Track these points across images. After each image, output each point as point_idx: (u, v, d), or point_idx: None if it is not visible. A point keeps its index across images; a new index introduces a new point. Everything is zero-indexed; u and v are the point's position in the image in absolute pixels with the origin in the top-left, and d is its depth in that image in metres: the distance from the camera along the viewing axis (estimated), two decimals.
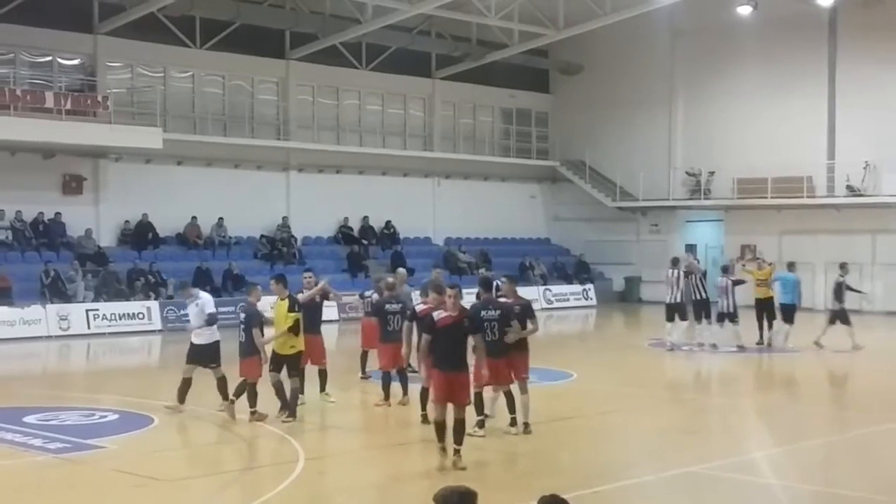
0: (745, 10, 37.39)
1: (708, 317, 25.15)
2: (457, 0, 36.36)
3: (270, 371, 15.28)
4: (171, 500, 11.75)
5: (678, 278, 24.93)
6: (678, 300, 24.96)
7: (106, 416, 16.19)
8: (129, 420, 15.78)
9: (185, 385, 15.90)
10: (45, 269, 30.66)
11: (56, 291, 30.32)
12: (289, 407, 15.38)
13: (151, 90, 34.90)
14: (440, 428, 12.28)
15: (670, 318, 25.10)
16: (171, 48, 35.48)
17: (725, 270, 25.95)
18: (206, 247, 35.31)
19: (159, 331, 30.67)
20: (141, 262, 32.93)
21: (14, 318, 28.66)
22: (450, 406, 12.33)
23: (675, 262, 25.71)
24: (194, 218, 35.43)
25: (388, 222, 40.11)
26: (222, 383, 15.79)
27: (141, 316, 30.95)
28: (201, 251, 34.87)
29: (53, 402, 17.55)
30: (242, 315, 15.52)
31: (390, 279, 18.31)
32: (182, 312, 31.00)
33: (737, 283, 25.31)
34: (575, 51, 43.67)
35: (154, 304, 31.35)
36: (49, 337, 28.88)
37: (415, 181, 41.41)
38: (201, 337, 15.93)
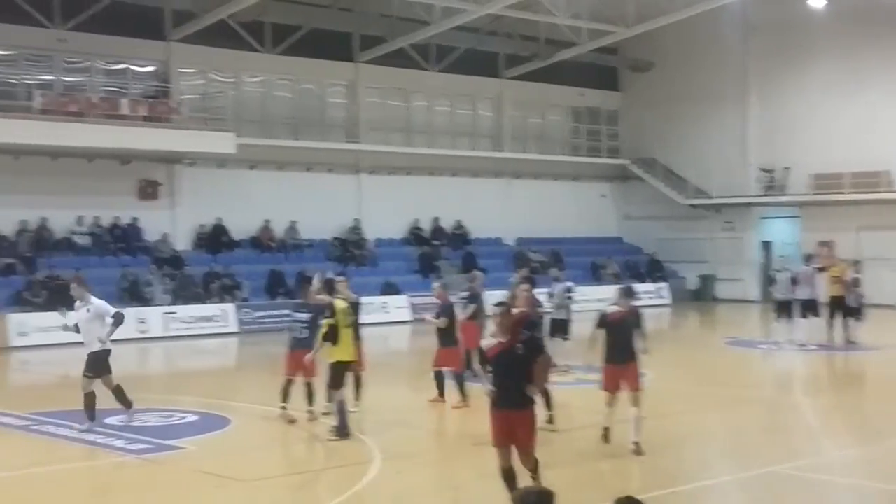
0: (818, 3, 36.83)
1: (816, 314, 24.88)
2: (525, 0, 36.30)
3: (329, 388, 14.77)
4: (251, 500, 11.87)
5: (810, 275, 24.74)
6: (809, 297, 24.64)
7: (185, 418, 16.42)
8: (207, 421, 15.99)
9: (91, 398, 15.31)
10: (124, 273, 31.21)
11: (134, 295, 30.85)
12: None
13: (223, 95, 35.37)
14: (508, 477, 10.24)
15: (788, 315, 24.84)
16: (242, 53, 35.88)
17: (809, 259, 25.68)
18: (279, 250, 35.64)
19: (235, 333, 31.03)
20: (216, 266, 33.35)
21: None
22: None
23: (808, 259, 25.74)
24: (267, 221, 35.81)
25: (458, 223, 40.16)
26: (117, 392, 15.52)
27: (217, 318, 31.35)
28: (274, 254, 35.23)
29: (134, 403, 17.81)
30: (306, 314, 15.47)
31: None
32: (258, 315, 31.51)
33: (821, 269, 25.10)
34: (645, 48, 43.34)
35: (230, 307, 31.74)
36: (128, 340, 29.33)
37: (485, 182, 41.39)
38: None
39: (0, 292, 29.05)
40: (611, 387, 13.27)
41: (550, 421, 14.17)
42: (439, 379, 16.90)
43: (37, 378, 25.07)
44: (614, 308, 13.35)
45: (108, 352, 15.31)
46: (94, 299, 15.44)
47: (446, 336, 16.72)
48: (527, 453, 10.16)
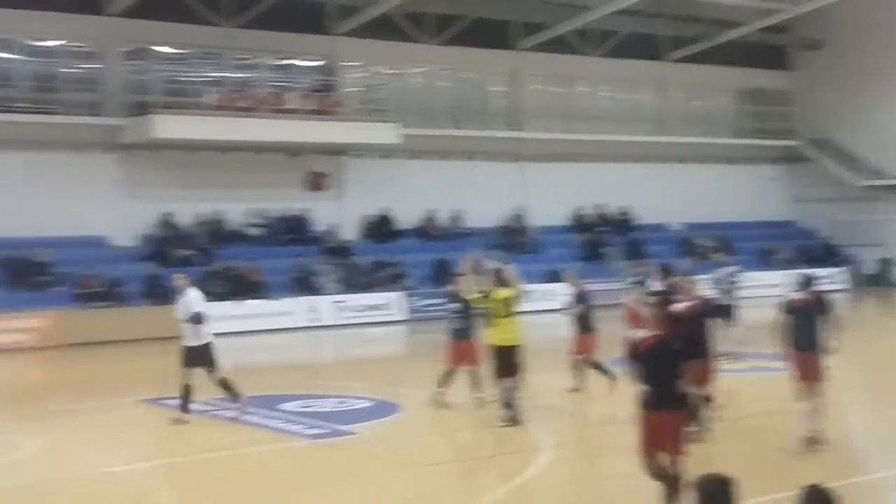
0: None
1: None
2: None
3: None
4: (422, 485, 12.02)
5: None
6: None
7: (358, 404, 16.73)
8: (379, 407, 16.25)
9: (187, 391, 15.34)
10: (294, 263, 32.05)
11: (305, 284, 31.65)
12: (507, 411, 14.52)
13: (387, 87, 35.90)
14: (662, 476, 9.13)
15: None
16: (405, 45, 36.29)
17: None
18: (444, 238, 35.95)
19: (402, 321, 31.47)
20: (382, 255, 33.89)
21: (268, 311, 30.13)
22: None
23: None
24: (431, 210, 36.17)
25: (623, 209, 39.72)
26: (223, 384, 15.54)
27: (384, 307, 31.86)
28: (439, 243, 35.54)
29: (308, 389, 18.27)
30: (457, 304, 15.61)
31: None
32: (424, 303, 31.85)
33: None
34: (816, 25, 41.91)
35: (397, 296, 32.20)
36: (300, 328, 30.17)
37: (649, 167, 40.78)
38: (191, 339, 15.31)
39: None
40: (804, 375, 12.29)
41: (696, 430, 11.99)
42: (582, 366, 16.77)
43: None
44: (797, 294, 12.89)
45: (205, 346, 15.17)
46: (190, 293, 15.42)
47: (582, 323, 16.66)
48: (675, 461, 9.09)
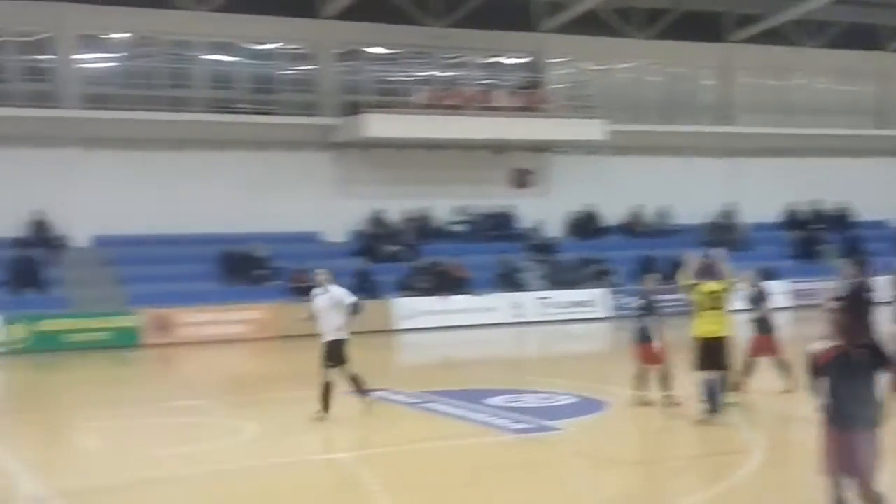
0: None
1: None
2: None
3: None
4: (629, 483, 11.87)
5: None
6: None
7: (563, 400, 16.66)
8: (584, 404, 16.14)
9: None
10: (499, 259, 32.25)
11: (509, 281, 31.81)
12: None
13: (593, 83, 35.67)
14: None
15: None
16: (612, 40, 35.96)
17: None
18: (650, 235, 35.42)
19: (607, 318, 31.19)
20: (587, 252, 33.69)
21: (472, 307, 30.43)
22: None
23: None
24: (637, 206, 35.71)
25: (840, 205, 38.14)
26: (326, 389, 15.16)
27: (589, 303, 31.66)
28: (645, 239, 35.05)
29: (513, 385, 18.33)
30: (640, 301, 15.45)
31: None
32: (630, 300, 31.42)
33: None
34: None
35: (602, 292, 31.95)
36: (504, 324, 30.34)
37: (869, 161, 39.04)
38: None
39: (386, 278, 30.85)
40: None
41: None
42: (778, 367, 16.16)
43: (422, 359, 26.40)
44: None
45: (343, 341, 15.22)
46: (334, 287, 15.46)
47: (761, 324, 16.06)
48: (866, 484, 8.09)
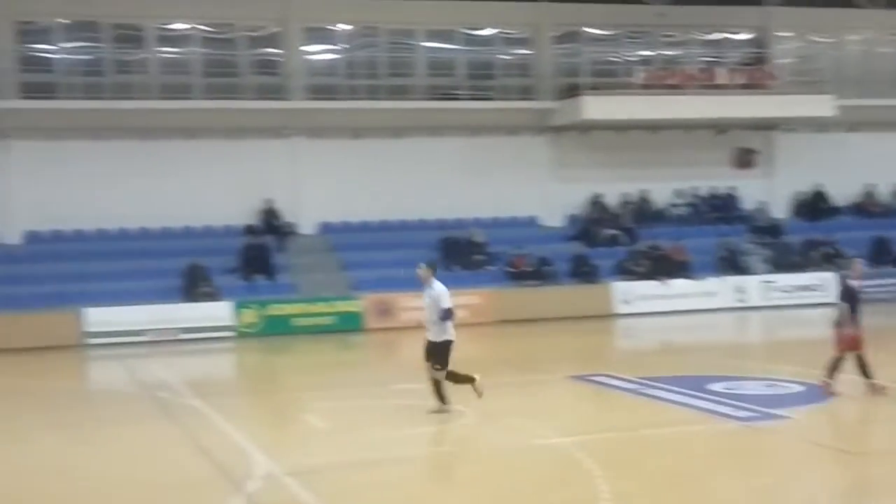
0: None
1: None
2: None
3: None
4: (865, 474, 11.31)
5: None
6: None
7: (789, 387, 16.07)
8: (812, 392, 15.49)
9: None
10: (721, 242, 31.39)
11: (732, 264, 30.91)
12: None
13: (823, 57, 34.20)
14: None
15: None
16: (843, 11, 34.41)
17: None
18: (885, 215, 33.70)
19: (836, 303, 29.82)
20: (815, 233, 32.36)
21: (693, 291, 29.75)
22: None
23: None
24: (870, 185, 34.07)
25: None
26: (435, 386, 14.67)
27: (817, 287, 30.40)
28: (879, 220, 33.36)
29: (735, 371, 17.81)
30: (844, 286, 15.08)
31: None
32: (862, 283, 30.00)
33: None
34: None
35: (831, 276, 30.60)
36: (726, 308, 29.52)
37: None
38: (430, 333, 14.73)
39: (604, 262, 30.55)
40: None
41: None
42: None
43: (642, 344, 26.01)
44: None
45: (447, 342, 14.67)
46: (435, 285, 14.88)
47: (847, 318, 15.07)
48: None
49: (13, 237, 28.70)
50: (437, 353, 14.58)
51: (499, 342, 26.06)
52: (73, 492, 11.31)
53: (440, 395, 14.69)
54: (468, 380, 14.79)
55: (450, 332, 14.68)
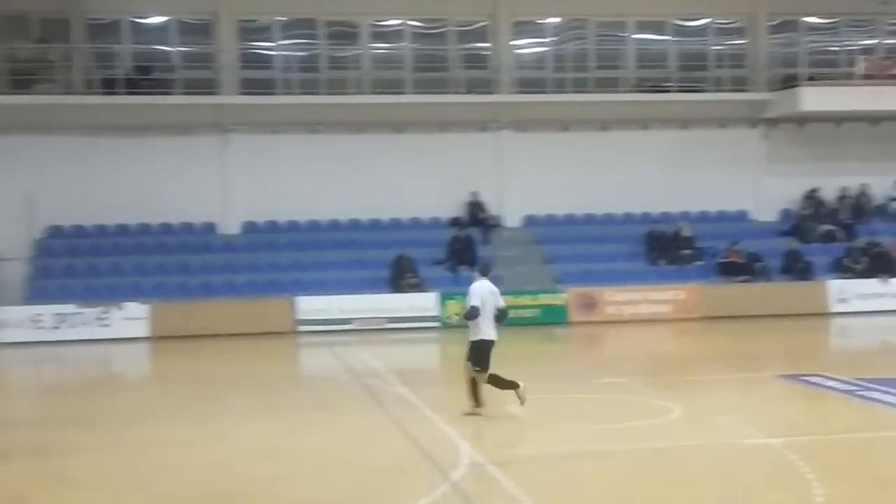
0: None
1: None
2: None
3: None
4: None
5: None
6: None
7: None
8: None
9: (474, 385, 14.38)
10: None
11: None
12: None
13: None
14: None
15: None
16: None
17: None
18: None
19: None
20: None
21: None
22: None
23: None
24: None
25: None
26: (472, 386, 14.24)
27: None
28: None
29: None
30: None
31: None
32: None
33: None
34: None
35: None
36: None
37: None
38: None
39: (820, 259, 29.45)
40: None
41: None
42: None
43: (859, 344, 24.99)
44: None
45: (483, 342, 14.19)
46: (479, 281, 14.39)
47: None
48: None
49: (232, 227, 29.97)
50: (474, 353, 14.26)
51: (706, 338, 25.51)
52: (285, 473, 11.71)
53: (475, 396, 14.42)
54: (512, 385, 14.39)
55: (485, 332, 14.20)
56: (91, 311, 25.76)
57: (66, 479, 11.58)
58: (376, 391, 17.00)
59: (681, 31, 32.19)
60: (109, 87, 29.08)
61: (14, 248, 27.56)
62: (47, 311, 25.76)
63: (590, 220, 31.15)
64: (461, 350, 24.62)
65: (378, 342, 24.97)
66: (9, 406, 17.82)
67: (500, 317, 14.34)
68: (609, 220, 31.16)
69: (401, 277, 27.85)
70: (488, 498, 10.20)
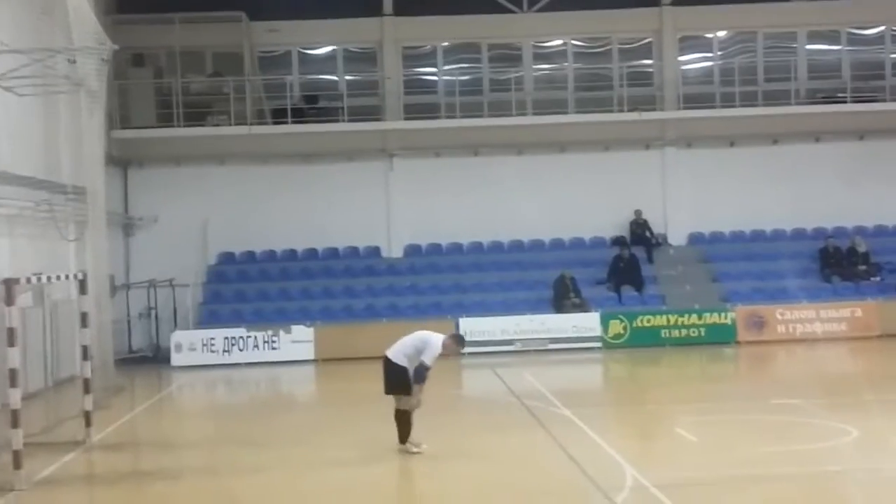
0: None
1: None
2: None
3: None
4: None
5: None
6: None
7: None
8: None
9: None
10: None
11: None
12: None
13: None
14: None
15: None
16: None
17: None
18: None
19: None
20: None
21: None
22: None
23: None
24: None
25: None
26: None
27: None
28: None
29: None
30: None
31: None
32: None
33: None
34: None
35: None
36: None
37: None
38: None
39: None
40: None
41: None
42: None
43: None
44: None
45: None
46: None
47: None
48: None
49: (396, 251, 30.31)
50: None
51: (885, 358, 24.44)
52: (448, 495, 11.68)
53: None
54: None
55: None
56: (260, 335, 26.41)
57: (235, 499, 11.83)
58: (539, 412, 16.84)
59: (854, 39, 31.05)
60: (279, 116, 29.90)
61: (188, 275, 28.49)
62: (219, 334, 26.49)
63: (758, 236, 30.30)
64: (625, 370, 24.41)
65: (540, 363, 24.79)
66: (181, 427, 18.41)
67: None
68: (779, 235, 30.24)
69: (563, 297, 27.60)
70: None
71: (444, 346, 13.74)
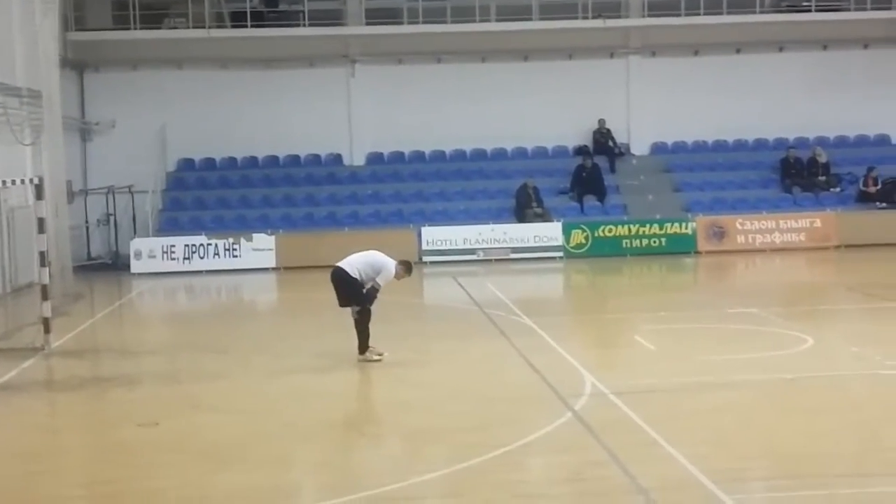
0: None
1: None
2: None
3: None
4: None
5: None
6: None
7: None
8: None
9: None
10: None
11: None
12: None
13: None
14: None
15: None
16: None
17: None
18: None
19: None
20: None
21: None
22: None
23: None
24: None
25: None
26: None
27: None
28: None
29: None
30: None
31: None
32: None
33: None
34: None
35: None
36: None
37: None
38: None
39: None
40: None
41: None
42: None
43: None
44: None
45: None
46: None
47: None
48: None
49: (358, 159, 30.09)
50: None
51: (842, 268, 24.75)
52: (410, 400, 11.76)
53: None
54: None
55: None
56: (221, 242, 26.25)
57: (197, 404, 11.83)
58: (500, 321, 16.92)
59: None
60: (238, 20, 29.33)
61: (146, 181, 28.18)
62: (179, 242, 26.33)
63: (720, 146, 30.35)
64: (586, 280, 24.55)
65: (502, 272, 24.89)
66: (141, 334, 18.36)
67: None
68: (741, 146, 30.32)
69: (525, 207, 27.61)
70: (610, 427, 10.04)
71: (396, 272, 13.74)
